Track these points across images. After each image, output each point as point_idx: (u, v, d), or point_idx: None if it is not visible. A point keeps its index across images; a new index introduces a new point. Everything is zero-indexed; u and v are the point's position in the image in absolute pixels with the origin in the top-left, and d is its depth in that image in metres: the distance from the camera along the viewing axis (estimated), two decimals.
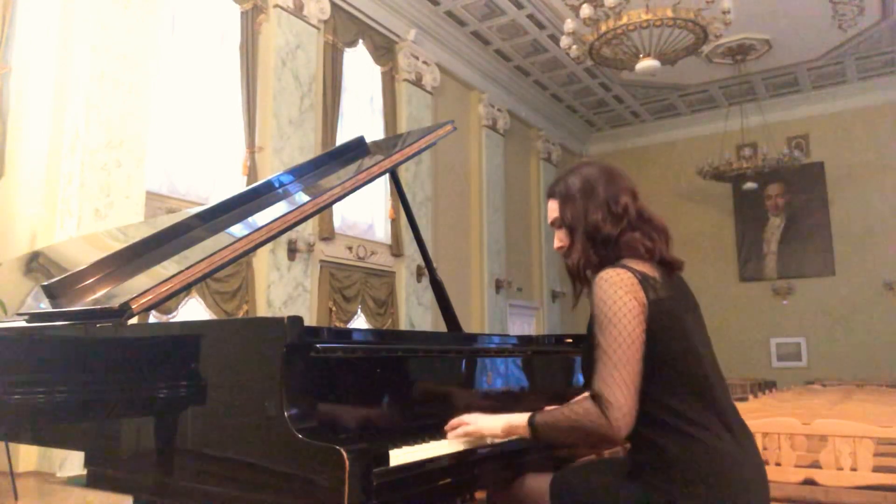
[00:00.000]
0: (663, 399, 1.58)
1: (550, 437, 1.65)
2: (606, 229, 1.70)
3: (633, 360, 1.55)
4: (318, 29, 7.83)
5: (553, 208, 1.81)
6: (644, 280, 1.61)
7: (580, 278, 1.75)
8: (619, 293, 1.58)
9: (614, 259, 1.67)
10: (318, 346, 1.63)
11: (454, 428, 1.74)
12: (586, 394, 1.61)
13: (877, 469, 2.74)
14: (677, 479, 1.53)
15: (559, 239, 1.80)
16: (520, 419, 1.68)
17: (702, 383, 1.61)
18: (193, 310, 6.18)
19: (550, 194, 1.83)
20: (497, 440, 1.78)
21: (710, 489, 1.52)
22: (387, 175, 2.76)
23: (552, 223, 1.82)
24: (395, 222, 8.75)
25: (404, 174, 8.51)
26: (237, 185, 6.49)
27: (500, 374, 2.29)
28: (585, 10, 7.10)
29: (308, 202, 2.28)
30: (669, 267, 1.70)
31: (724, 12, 7.11)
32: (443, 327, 2.95)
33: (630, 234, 1.69)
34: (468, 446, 1.72)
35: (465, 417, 1.76)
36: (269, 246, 6.38)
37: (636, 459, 1.64)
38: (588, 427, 1.54)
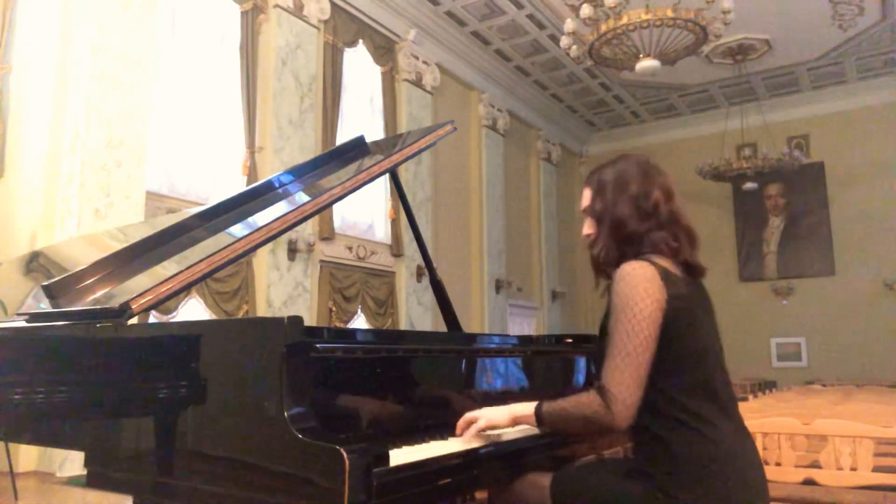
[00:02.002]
0: (674, 395, 1.59)
1: (556, 424, 1.68)
2: (632, 225, 1.69)
3: (643, 356, 1.56)
4: (318, 29, 7.83)
5: (586, 196, 1.81)
6: (666, 275, 1.62)
7: (600, 271, 1.76)
8: (639, 288, 1.58)
9: (636, 255, 1.67)
10: (318, 346, 1.63)
11: (464, 428, 1.74)
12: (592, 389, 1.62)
13: (877, 469, 2.74)
14: (681, 474, 1.55)
15: (588, 227, 1.80)
16: (526, 408, 1.72)
17: (710, 381, 1.63)
18: (193, 310, 6.18)
19: (586, 182, 1.83)
20: (501, 434, 1.78)
21: (713, 485, 1.53)
22: (387, 175, 2.76)
23: (583, 210, 1.82)
24: (395, 222, 8.75)
25: (404, 174, 8.51)
26: (237, 185, 6.49)
27: (500, 374, 2.29)
28: (585, 10, 7.10)
29: (308, 202, 2.28)
30: (692, 270, 1.70)
31: (724, 12, 7.10)
32: (443, 327, 2.95)
33: (656, 232, 1.68)
34: (471, 445, 1.72)
35: (472, 414, 1.76)
36: (269, 246, 6.37)
37: (641, 454, 1.65)
38: (591, 417, 1.57)
